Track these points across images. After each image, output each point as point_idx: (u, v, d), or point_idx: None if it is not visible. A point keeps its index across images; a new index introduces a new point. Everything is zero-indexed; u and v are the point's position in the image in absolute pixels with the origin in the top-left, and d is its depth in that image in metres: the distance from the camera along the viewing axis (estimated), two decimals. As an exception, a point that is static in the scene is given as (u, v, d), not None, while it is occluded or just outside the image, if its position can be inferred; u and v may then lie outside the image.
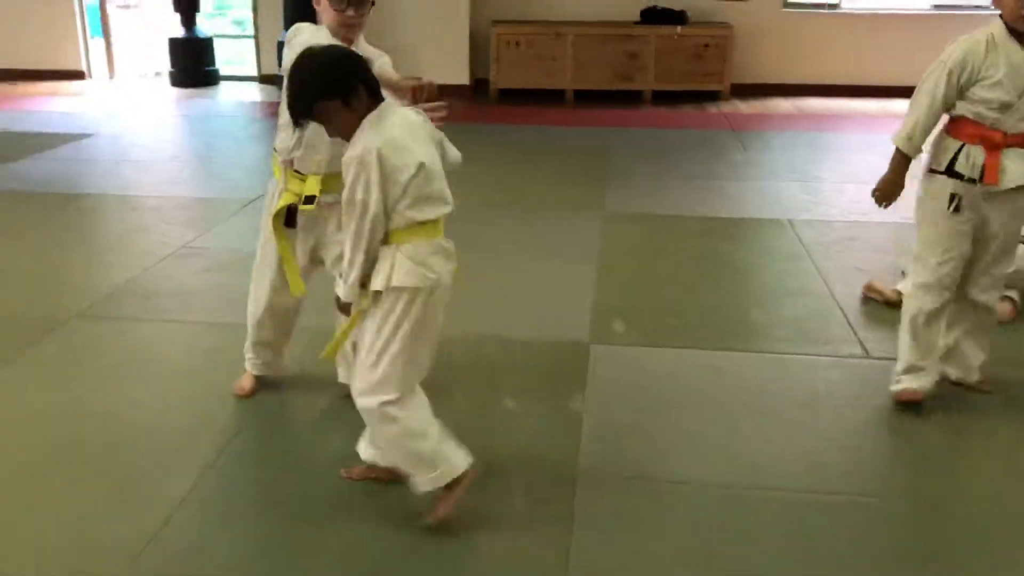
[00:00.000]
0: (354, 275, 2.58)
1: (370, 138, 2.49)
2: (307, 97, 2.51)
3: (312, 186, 3.09)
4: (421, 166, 2.52)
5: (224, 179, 6.96)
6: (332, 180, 3.01)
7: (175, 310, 4.42)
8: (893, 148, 3.46)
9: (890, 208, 3.58)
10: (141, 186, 6.72)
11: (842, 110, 9.70)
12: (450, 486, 2.72)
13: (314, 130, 2.99)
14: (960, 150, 3.33)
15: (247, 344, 3.51)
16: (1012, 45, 3.21)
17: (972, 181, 3.32)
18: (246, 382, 3.55)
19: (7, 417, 3.44)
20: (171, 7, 10.47)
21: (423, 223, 2.57)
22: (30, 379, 3.73)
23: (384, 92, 2.64)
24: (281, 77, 2.72)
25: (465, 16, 10.09)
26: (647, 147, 8.06)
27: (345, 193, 2.53)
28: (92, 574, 2.59)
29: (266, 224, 3.25)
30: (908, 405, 3.51)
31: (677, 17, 10.12)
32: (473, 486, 2.76)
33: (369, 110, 2.54)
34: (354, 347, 2.84)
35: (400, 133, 2.54)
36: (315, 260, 3.29)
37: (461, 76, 10.18)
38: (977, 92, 3.26)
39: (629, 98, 10.10)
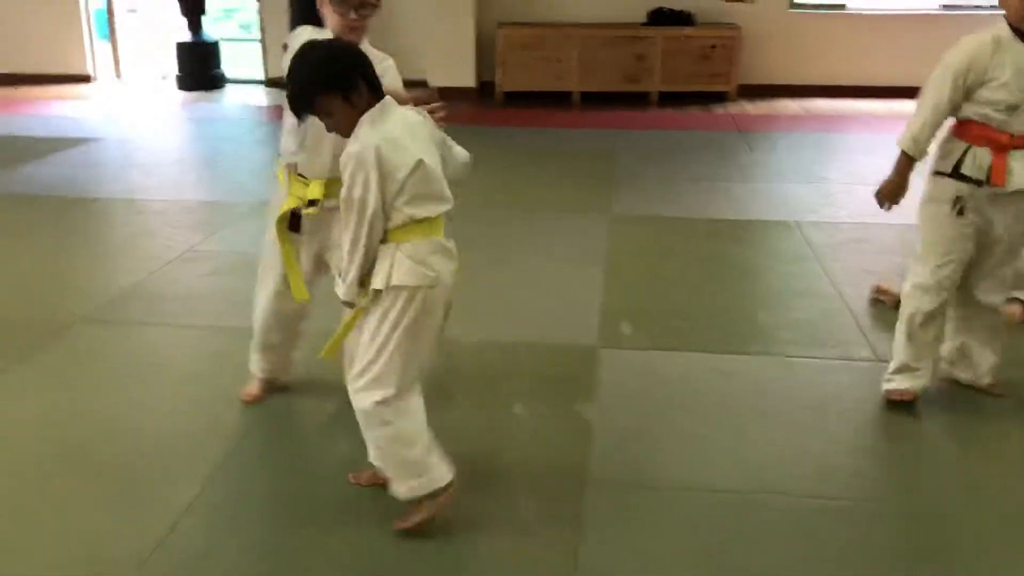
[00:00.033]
0: (353, 273, 2.57)
1: (368, 135, 2.48)
2: (308, 90, 2.51)
3: (315, 190, 3.08)
4: (419, 164, 2.51)
5: (230, 182, 6.96)
6: (335, 184, 2.99)
7: (181, 314, 4.41)
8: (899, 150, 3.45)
9: (898, 209, 3.56)
10: (147, 190, 6.72)
11: (849, 111, 9.67)
12: (429, 497, 2.72)
13: (317, 134, 2.98)
14: (966, 152, 3.32)
15: (253, 348, 3.50)
16: (1018, 46, 3.19)
17: (978, 183, 3.30)
18: (253, 387, 3.53)
19: (12, 422, 3.43)
20: (177, 11, 10.48)
21: (422, 221, 2.56)
22: (36, 383, 3.73)
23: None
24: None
25: (470, 18, 10.07)
26: (654, 149, 8.04)
27: (343, 191, 2.52)
28: (98, 580, 2.59)
29: (270, 228, 3.24)
30: (898, 405, 3.52)
31: (684, 19, 10.10)
32: (450, 505, 2.75)
33: (369, 106, 2.53)
34: None
35: (399, 131, 2.53)
36: (320, 266, 3.28)
37: (467, 79, 10.17)
38: (983, 94, 3.24)
39: (636, 100, 10.08)
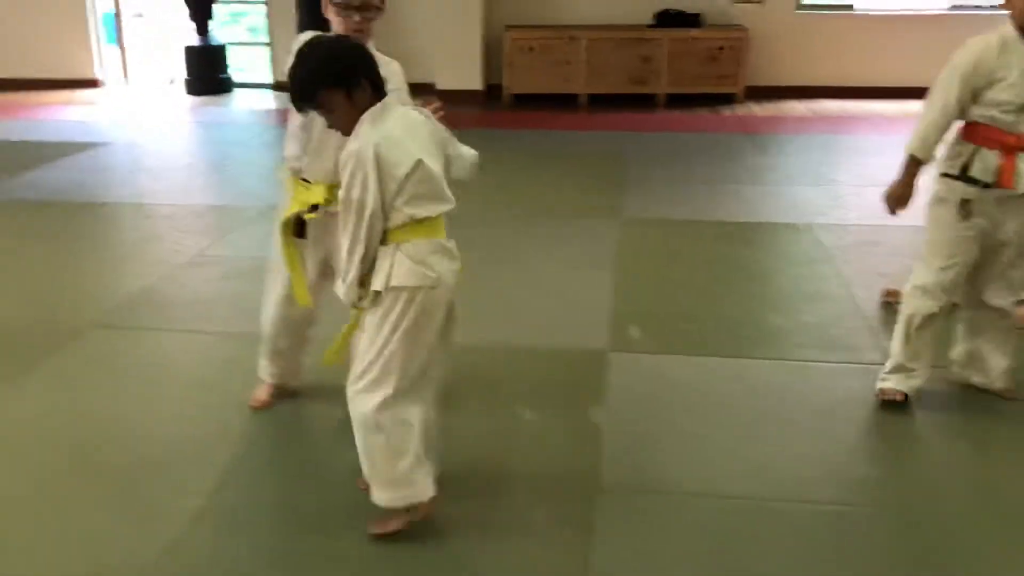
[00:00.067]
0: (352, 273, 2.56)
1: (368, 134, 2.48)
2: (312, 83, 2.50)
3: (317, 194, 3.07)
4: (419, 163, 2.50)
5: (238, 186, 6.97)
6: (339, 188, 2.99)
7: (190, 319, 4.41)
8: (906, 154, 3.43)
9: (909, 211, 3.54)
10: (155, 194, 6.73)
11: (858, 112, 9.63)
12: (407, 509, 2.72)
13: (321, 137, 2.98)
14: (974, 154, 3.30)
15: (262, 354, 3.49)
16: None
17: (987, 186, 3.28)
18: (262, 393, 3.53)
19: (21, 426, 3.43)
20: (185, 15, 10.49)
21: (422, 221, 2.54)
22: (44, 388, 3.73)
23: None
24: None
25: (478, 21, 10.07)
26: (662, 151, 8.02)
27: (341, 191, 2.51)
28: (108, 588, 2.58)
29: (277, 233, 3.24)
30: (889, 404, 3.53)
31: (691, 20, 10.08)
32: (429, 517, 2.75)
33: (371, 105, 2.52)
34: None
35: (399, 131, 2.52)
36: (327, 271, 3.27)
37: (474, 81, 10.16)
38: (990, 95, 3.23)
39: (643, 102, 10.06)
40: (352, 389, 2.66)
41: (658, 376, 3.84)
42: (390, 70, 2.99)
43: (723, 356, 4.01)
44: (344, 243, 2.56)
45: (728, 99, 10.12)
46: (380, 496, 2.71)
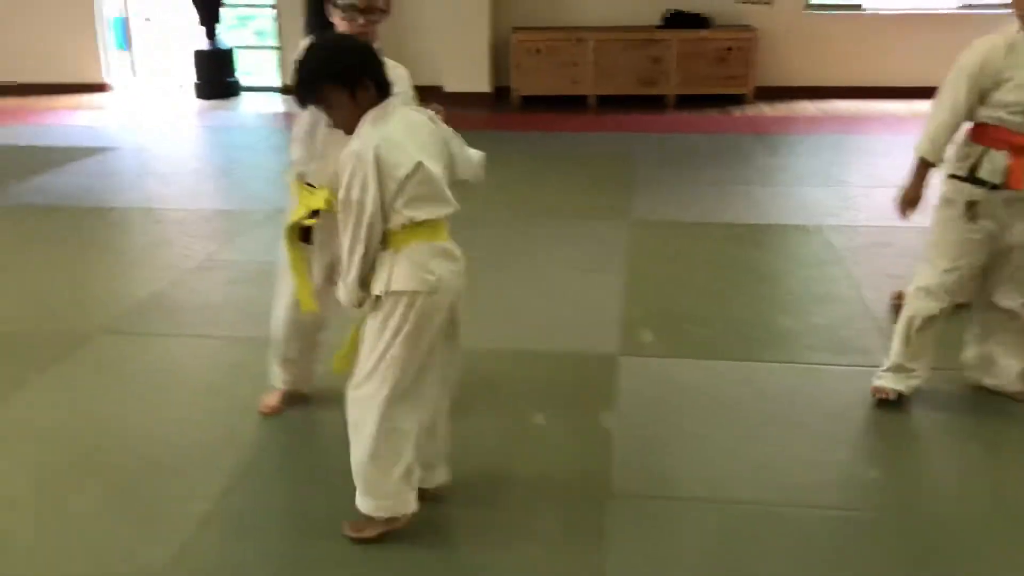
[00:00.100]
0: (352, 275, 2.55)
1: (369, 134, 2.46)
2: (316, 79, 2.50)
3: (319, 199, 3.05)
4: (419, 165, 2.48)
5: (247, 190, 6.96)
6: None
7: (199, 324, 4.40)
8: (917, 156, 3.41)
9: (920, 212, 3.52)
10: (164, 198, 6.72)
11: (868, 112, 9.58)
12: (388, 520, 2.71)
13: (326, 142, 2.97)
14: (983, 155, 3.28)
15: (273, 361, 3.48)
16: None
17: (995, 187, 3.26)
18: (272, 399, 3.52)
19: (29, 431, 3.43)
20: (192, 19, 10.51)
21: (422, 224, 2.52)
22: (53, 394, 3.73)
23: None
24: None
25: (485, 23, 10.05)
26: (671, 152, 8.00)
27: (341, 192, 2.49)
28: (116, 595, 2.58)
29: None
30: (881, 402, 3.53)
31: (699, 21, 10.05)
32: (405, 528, 2.74)
33: (374, 105, 2.51)
34: None
35: (400, 132, 2.51)
36: (333, 277, 3.24)
37: (482, 84, 10.15)
38: (997, 96, 3.21)
39: (652, 103, 10.02)
40: (351, 395, 2.65)
41: (668, 380, 3.82)
42: (396, 75, 2.97)
43: (733, 359, 3.99)
44: (344, 243, 2.55)
45: (738, 100, 10.08)
46: (364, 502, 2.70)
